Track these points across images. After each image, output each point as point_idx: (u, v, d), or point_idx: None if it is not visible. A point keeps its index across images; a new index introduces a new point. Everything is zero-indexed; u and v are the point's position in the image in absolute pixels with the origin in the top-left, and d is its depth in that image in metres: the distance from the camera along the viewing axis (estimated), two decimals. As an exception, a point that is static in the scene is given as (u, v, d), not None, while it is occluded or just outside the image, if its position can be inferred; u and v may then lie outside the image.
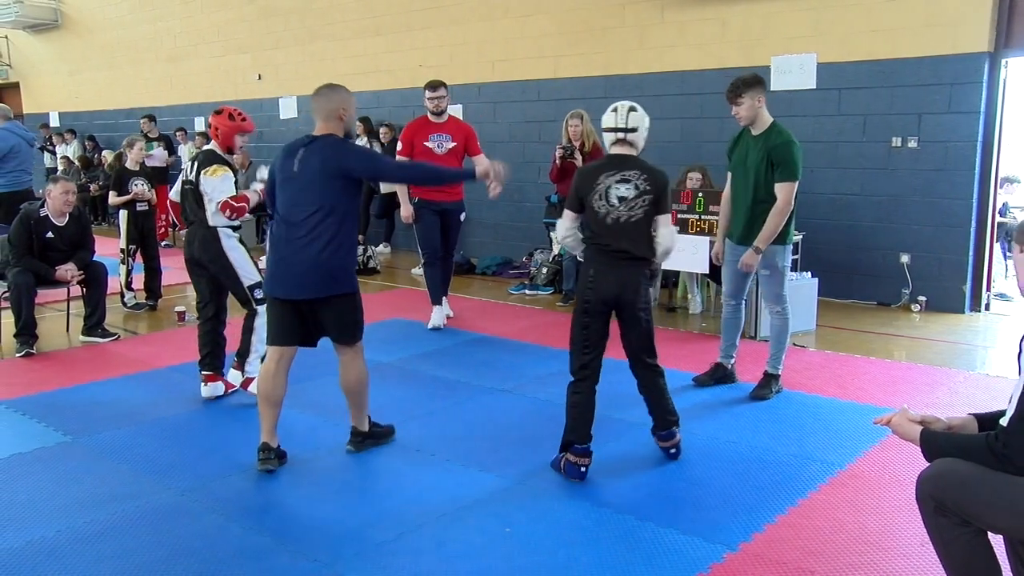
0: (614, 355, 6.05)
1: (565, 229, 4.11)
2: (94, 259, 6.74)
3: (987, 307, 7.44)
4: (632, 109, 3.99)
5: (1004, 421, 2.32)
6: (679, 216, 6.55)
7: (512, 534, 3.43)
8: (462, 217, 7.09)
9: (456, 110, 10.52)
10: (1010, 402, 2.32)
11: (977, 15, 6.98)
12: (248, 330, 5.13)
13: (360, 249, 10.11)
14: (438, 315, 6.99)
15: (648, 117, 4.05)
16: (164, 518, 3.60)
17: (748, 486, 3.84)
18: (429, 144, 6.69)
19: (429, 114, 6.78)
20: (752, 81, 4.84)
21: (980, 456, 2.37)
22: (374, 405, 5.03)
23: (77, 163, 15.31)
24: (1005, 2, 6.95)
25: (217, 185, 4.88)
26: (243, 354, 5.16)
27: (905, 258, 7.50)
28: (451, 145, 6.72)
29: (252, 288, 5.02)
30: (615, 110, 4.01)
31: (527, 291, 8.61)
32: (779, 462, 4.12)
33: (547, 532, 3.44)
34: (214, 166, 4.91)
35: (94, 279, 6.69)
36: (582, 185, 3.97)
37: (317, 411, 4.87)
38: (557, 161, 7.58)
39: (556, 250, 8.99)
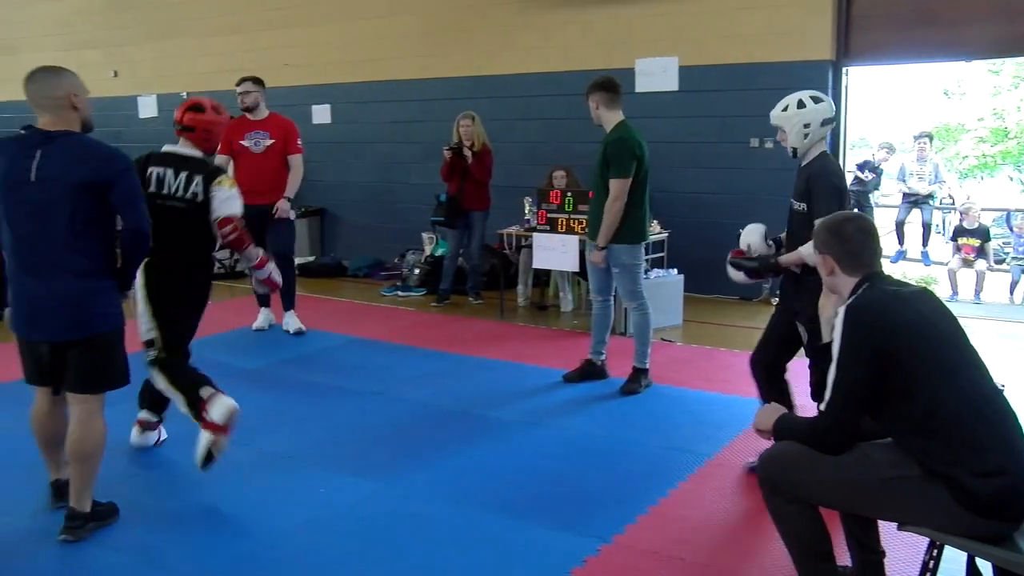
0: (483, 354, 6.08)
1: None
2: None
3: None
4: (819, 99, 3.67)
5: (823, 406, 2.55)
6: (549, 216, 6.62)
7: (383, 539, 3.39)
8: (283, 212, 6.48)
9: (324, 110, 10.35)
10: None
11: (819, 26, 7.38)
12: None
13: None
14: (263, 317, 6.86)
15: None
16: (15, 544, 3.37)
17: (620, 479, 3.93)
18: (245, 143, 6.51)
19: (245, 112, 6.62)
20: (593, 85, 5.04)
21: (804, 436, 2.59)
22: (243, 411, 4.87)
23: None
24: (843, 17, 7.40)
25: (233, 198, 4.00)
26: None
27: (764, 254, 7.82)
28: (269, 143, 6.54)
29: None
30: (821, 100, 3.64)
31: (399, 292, 8.53)
32: (650, 454, 4.22)
33: (420, 535, 3.41)
34: (223, 176, 4.04)
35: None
36: (843, 185, 3.62)
37: (176, 423, 4.63)
38: (447, 156, 7.58)
39: (428, 250, 8.97)
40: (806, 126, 3.61)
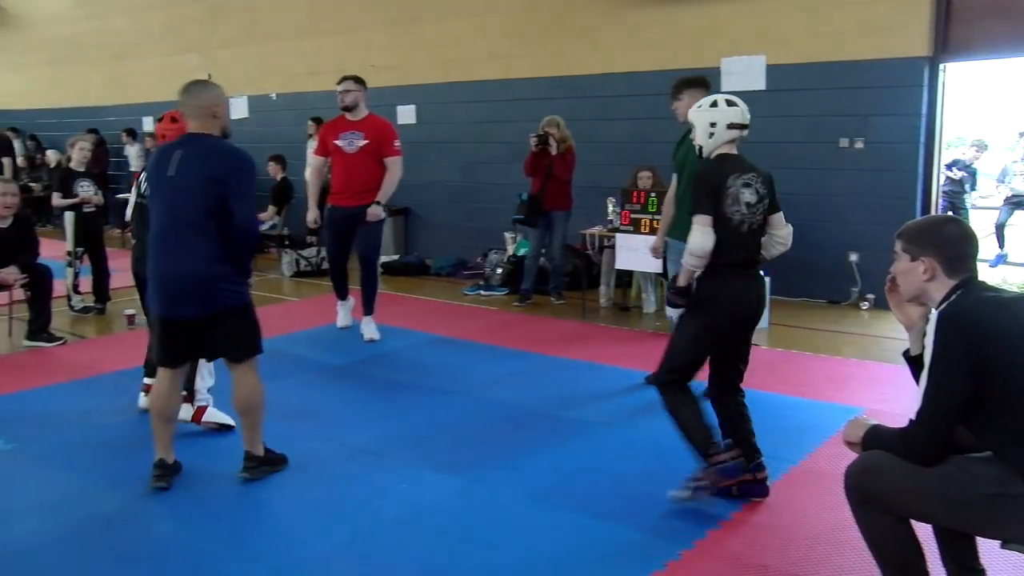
0: (565, 354, 6.08)
1: (705, 239, 3.46)
2: (39, 262, 6.58)
3: (932, 304, 7.61)
4: (732, 101, 3.64)
5: (912, 415, 2.46)
6: (632, 216, 6.59)
7: (467, 536, 3.43)
8: (372, 216, 6.39)
9: (409, 111, 10.49)
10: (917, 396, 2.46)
11: (914, 21, 7.16)
12: None
13: (314, 251, 10.03)
14: (344, 312, 6.93)
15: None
16: (111, 526, 3.52)
17: (702, 483, 3.88)
18: (339, 142, 6.43)
19: (344, 111, 6.53)
20: (694, 81, 4.94)
21: (894, 447, 2.50)
22: (329, 408, 5.00)
23: (22, 163, 14.93)
24: (941, 10, 7.14)
25: None
26: (189, 383, 4.48)
27: (854, 257, 7.63)
28: (362, 143, 6.39)
29: None
30: (734, 104, 3.60)
31: (482, 292, 8.60)
32: (732, 459, 4.16)
33: (502, 532, 3.44)
34: None
35: (39, 282, 6.53)
36: (717, 186, 3.53)
37: (272, 415, 4.76)
38: (533, 148, 7.62)
39: (511, 250, 9.02)
40: (712, 125, 3.60)
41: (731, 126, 3.60)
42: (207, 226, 3.65)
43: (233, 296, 3.75)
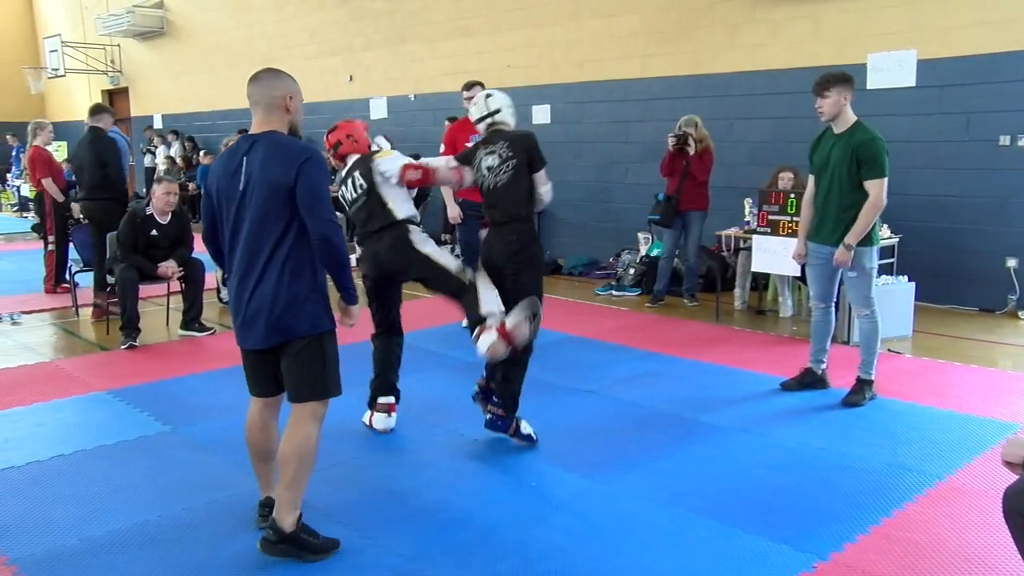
0: (697, 357, 5.99)
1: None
2: (192, 256, 7.00)
3: (1099, 315, 7.08)
4: (488, 95, 4.53)
5: None
6: (770, 218, 6.42)
7: (595, 536, 3.42)
8: None
9: (544, 110, 10.56)
10: None
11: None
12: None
13: (448, 248, 10.23)
14: None
15: (508, 97, 4.59)
16: (252, 508, 3.69)
17: (839, 494, 3.74)
18: (470, 145, 6.63)
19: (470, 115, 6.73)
20: (842, 77, 4.83)
21: None
22: (461, 403, 5.08)
23: (179, 163, 15.91)
24: None
25: (396, 159, 4.56)
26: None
27: (1012, 262, 7.18)
28: None
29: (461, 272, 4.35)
30: (474, 104, 4.58)
31: (614, 292, 8.57)
32: (872, 471, 4.00)
33: (630, 535, 3.42)
34: (381, 151, 4.78)
35: (192, 275, 6.95)
36: (468, 157, 4.54)
37: (405, 410, 4.90)
38: (671, 148, 7.56)
39: (644, 250, 8.95)
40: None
41: (479, 120, 4.56)
42: (282, 242, 3.11)
43: (307, 325, 3.17)
